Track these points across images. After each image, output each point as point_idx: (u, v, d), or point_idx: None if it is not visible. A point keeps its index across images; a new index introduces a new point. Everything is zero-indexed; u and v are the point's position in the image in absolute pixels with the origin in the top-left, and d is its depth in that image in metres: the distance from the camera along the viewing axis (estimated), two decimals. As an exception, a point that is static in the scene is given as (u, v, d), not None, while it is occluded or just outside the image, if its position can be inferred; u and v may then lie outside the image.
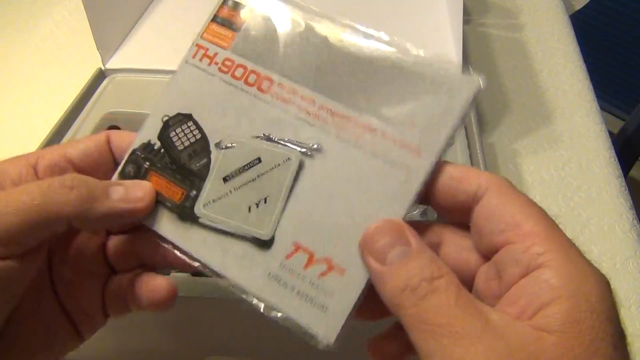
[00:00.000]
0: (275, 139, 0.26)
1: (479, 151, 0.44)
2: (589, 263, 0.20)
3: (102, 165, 0.27)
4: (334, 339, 0.23)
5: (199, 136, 0.27)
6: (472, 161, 0.44)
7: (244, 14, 0.28)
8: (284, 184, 0.25)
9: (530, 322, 0.19)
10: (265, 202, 0.25)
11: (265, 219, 0.25)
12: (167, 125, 0.27)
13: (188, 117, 0.27)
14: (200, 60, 0.28)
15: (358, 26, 0.26)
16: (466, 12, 0.70)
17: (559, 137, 0.54)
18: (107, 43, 0.56)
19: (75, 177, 0.23)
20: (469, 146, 0.45)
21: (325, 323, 0.23)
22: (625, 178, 0.50)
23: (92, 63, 0.55)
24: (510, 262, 0.20)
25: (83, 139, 0.27)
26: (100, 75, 0.55)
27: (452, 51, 0.54)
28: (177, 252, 0.26)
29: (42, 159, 0.26)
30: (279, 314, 0.23)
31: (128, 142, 0.27)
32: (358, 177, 0.24)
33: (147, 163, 0.27)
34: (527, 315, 0.19)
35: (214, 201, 0.26)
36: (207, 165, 0.26)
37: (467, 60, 0.62)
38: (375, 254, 0.22)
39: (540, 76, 0.61)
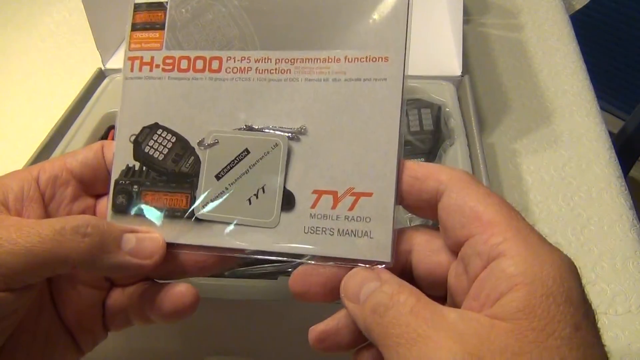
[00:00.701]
0: (257, 128, 0.25)
1: (479, 151, 0.44)
2: (549, 247, 0.20)
3: (101, 174, 0.27)
4: (389, 258, 0.23)
5: (174, 139, 0.26)
6: (472, 161, 0.44)
7: (163, 11, 0.27)
8: (278, 170, 0.25)
9: (487, 312, 0.19)
10: (263, 191, 0.25)
11: (268, 207, 0.25)
12: (138, 143, 0.26)
13: (155, 126, 0.26)
14: (140, 70, 0.27)
15: None
16: (466, 12, 0.70)
17: (559, 137, 0.54)
18: (107, 43, 0.56)
19: (89, 224, 0.23)
20: (469, 146, 0.45)
21: (376, 247, 0.23)
22: (625, 178, 0.50)
23: (92, 63, 0.55)
24: (472, 255, 0.20)
25: (81, 150, 0.27)
26: (100, 75, 0.55)
27: (452, 51, 0.54)
28: (205, 252, 0.25)
29: (43, 171, 0.26)
30: (331, 262, 0.23)
31: None
32: (345, 105, 0.25)
33: (135, 186, 0.26)
34: (488, 307, 0.19)
35: (212, 201, 0.25)
36: (197, 162, 0.26)
37: (467, 60, 0.62)
38: (349, 296, 0.22)
39: (540, 76, 0.61)
